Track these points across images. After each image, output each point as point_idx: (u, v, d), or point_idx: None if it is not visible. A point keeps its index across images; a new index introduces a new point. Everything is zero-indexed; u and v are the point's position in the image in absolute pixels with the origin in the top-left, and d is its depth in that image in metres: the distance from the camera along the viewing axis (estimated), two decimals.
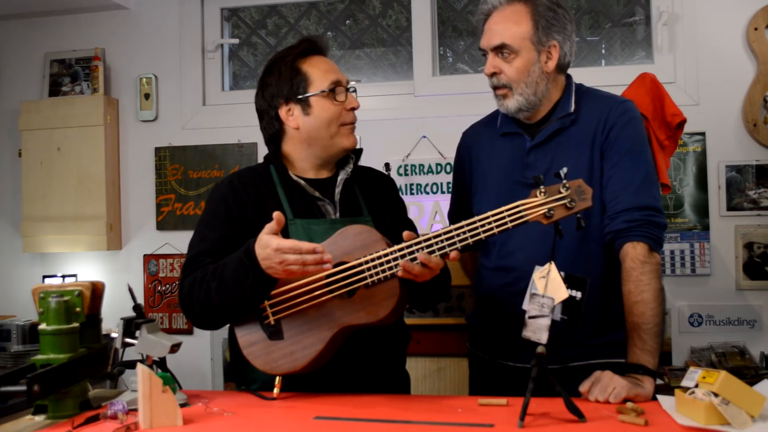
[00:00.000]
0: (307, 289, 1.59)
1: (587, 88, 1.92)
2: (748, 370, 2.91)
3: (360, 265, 1.55)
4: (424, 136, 3.48)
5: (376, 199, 1.87)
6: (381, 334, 1.74)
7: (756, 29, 3.18)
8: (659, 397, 1.52)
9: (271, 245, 1.51)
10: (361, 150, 1.90)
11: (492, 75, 1.84)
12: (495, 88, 1.85)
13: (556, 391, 1.40)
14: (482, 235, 1.48)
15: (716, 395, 1.31)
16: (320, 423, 1.45)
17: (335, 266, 1.57)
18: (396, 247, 1.53)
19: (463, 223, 1.49)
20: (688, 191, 3.25)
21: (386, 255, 1.53)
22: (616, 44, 3.53)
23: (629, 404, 1.45)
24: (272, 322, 1.61)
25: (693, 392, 1.36)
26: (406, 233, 1.53)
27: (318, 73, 1.79)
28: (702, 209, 3.23)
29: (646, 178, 1.77)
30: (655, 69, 3.11)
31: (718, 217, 3.23)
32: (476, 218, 1.49)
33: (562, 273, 1.48)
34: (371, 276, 1.54)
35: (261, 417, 1.52)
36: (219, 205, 1.77)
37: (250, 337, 1.64)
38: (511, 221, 1.47)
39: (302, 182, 1.79)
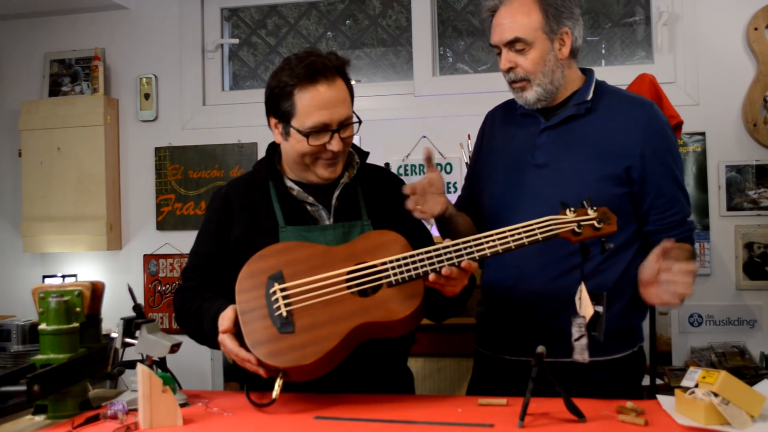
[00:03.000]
0: (324, 284, 1.55)
1: (607, 84, 1.92)
2: (748, 370, 2.91)
3: (383, 264, 1.54)
4: (424, 136, 3.48)
5: (379, 202, 1.82)
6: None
7: (756, 29, 3.18)
8: (659, 397, 1.52)
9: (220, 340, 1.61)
10: (367, 153, 1.88)
11: (509, 70, 1.83)
12: (512, 82, 1.85)
13: (556, 391, 1.40)
14: (510, 244, 1.52)
15: (716, 395, 1.31)
16: (320, 423, 1.45)
17: (357, 264, 1.56)
18: (422, 250, 1.53)
19: (493, 232, 1.52)
20: (688, 191, 3.23)
21: (412, 257, 1.53)
22: (616, 44, 3.54)
23: (629, 404, 1.45)
24: (284, 314, 1.53)
25: (693, 392, 1.36)
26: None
27: (305, 110, 1.67)
28: (702, 209, 3.23)
29: (682, 189, 1.89)
30: (655, 69, 3.11)
31: (718, 217, 3.23)
32: (506, 228, 1.52)
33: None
34: (395, 275, 1.53)
35: (261, 417, 1.52)
36: (212, 217, 1.84)
37: (255, 325, 1.54)
38: (541, 234, 1.51)
39: (296, 188, 1.78)
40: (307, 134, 1.68)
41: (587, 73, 1.91)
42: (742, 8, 3.21)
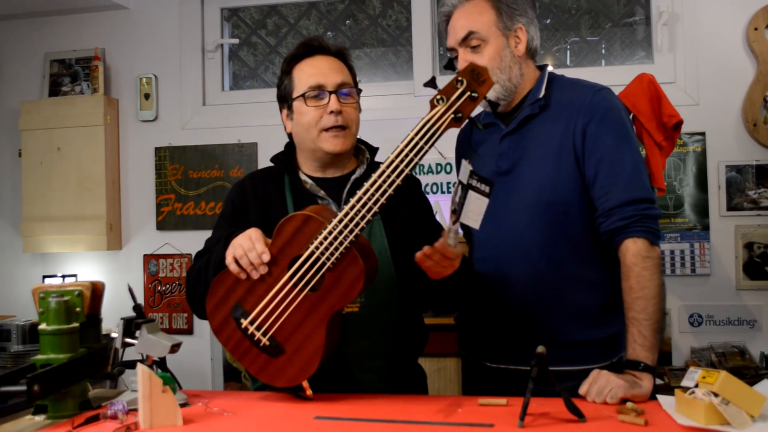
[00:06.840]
0: (279, 298, 1.57)
1: (561, 77, 1.90)
2: (748, 370, 2.92)
3: (312, 253, 1.53)
4: None
5: (391, 198, 1.83)
6: (398, 333, 1.75)
7: (756, 29, 3.18)
8: (659, 397, 1.52)
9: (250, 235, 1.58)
10: (376, 149, 1.89)
11: None
12: None
13: (555, 391, 1.40)
14: (406, 170, 1.48)
15: (716, 395, 1.31)
16: (320, 423, 1.45)
17: (291, 263, 1.56)
18: (335, 221, 1.51)
19: (383, 167, 1.50)
20: (688, 191, 3.25)
21: (330, 233, 1.51)
22: (616, 44, 3.54)
23: (629, 404, 1.45)
24: (267, 343, 1.58)
25: (693, 392, 1.36)
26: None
27: (301, 76, 1.76)
28: (702, 209, 3.23)
29: (634, 169, 1.74)
30: (655, 69, 3.11)
31: (718, 217, 3.24)
32: (392, 156, 1.49)
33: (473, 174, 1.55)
34: (327, 259, 1.52)
35: (261, 417, 1.52)
36: (227, 206, 1.87)
37: (257, 365, 1.61)
38: (426, 144, 1.47)
39: (309, 182, 1.80)
40: (303, 94, 1.73)
41: (543, 70, 1.88)
42: (742, 8, 3.22)
